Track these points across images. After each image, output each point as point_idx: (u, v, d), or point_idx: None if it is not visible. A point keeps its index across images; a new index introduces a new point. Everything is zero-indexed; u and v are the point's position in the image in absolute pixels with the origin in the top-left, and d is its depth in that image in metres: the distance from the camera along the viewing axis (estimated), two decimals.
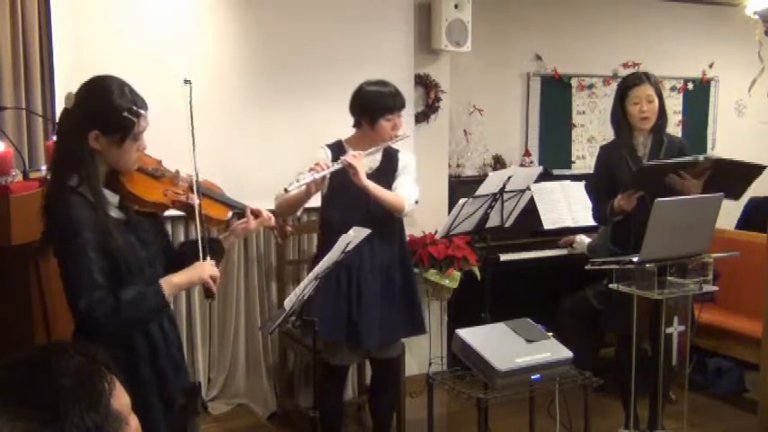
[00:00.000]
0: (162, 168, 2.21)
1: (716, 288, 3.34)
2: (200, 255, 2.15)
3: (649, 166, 3.40)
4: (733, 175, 3.35)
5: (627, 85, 3.52)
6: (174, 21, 3.80)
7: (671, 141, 3.57)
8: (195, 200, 2.19)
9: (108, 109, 1.98)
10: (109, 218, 2.00)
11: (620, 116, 3.54)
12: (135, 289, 2.01)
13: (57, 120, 2.06)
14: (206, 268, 2.13)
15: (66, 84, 3.49)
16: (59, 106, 3.46)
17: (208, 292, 2.17)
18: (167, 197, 2.17)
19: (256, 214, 2.39)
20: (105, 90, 2.00)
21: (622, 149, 3.54)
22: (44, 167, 3.03)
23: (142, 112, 2.02)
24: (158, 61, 3.68)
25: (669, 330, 3.21)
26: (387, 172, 3.26)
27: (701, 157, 3.32)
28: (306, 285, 2.65)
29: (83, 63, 3.52)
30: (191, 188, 2.21)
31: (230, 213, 2.36)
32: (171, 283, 2.07)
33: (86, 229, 1.94)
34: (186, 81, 2.16)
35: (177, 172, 2.25)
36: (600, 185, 3.63)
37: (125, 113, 1.99)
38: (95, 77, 2.04)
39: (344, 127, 3.32)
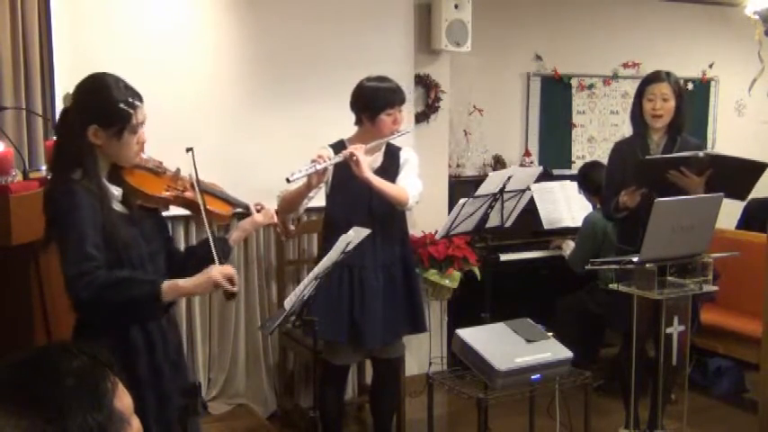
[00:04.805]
0: (163, 167, 2.27)
1: (716, 288, 3.34)
2: (214, 256, 2.15)
3: (648, 160, 3.41)
4: (735, 173, 3.35)
5: (645, 81, 3.53)
6: (173, 20, 3.79)
7: (685, 142, 3.52)
8: (197, 196, 2.23)
9: (104, 102, 2.02)
10: (112, 209, 2.03)
11: (637, 113, 3.54)
12: (131, 273, 2.01)
13: (56, 121, 2.09)
14: (215, 271, 2.08)
15: (67, 84, 3.50)
16: (59, 106, 3.47)
17: (227, 294, 2.15)
18: (169, 192, 2.22)
19: (259, 209, 2.44)
20: (100, 85, 2.04)
21: (636, 146, 3.54)
22: (44, 167, 3.03)
23: (138, 104, 2.07)
24: (158, 61, 3.68)
25: (669, 330, 3.21)
26: (389, 170, 3.24)
27: (700, 154, 3.32)
28: (306, 285, 2.65)
29: (83, 63, 3.50)
30: (192, 186, 2.27)
31: (232, 210, 2.41)
32: (175, 284, 2.04)
33: (83, 208, 1.96)
34: (188, 149, 2.21)
35: (178, 170, 2.29)
36: (612, 180, 3.63)
37: (121, 105, 2.03)
38: (90, 75, 2.09)
39: (345, 126, 3.31)
